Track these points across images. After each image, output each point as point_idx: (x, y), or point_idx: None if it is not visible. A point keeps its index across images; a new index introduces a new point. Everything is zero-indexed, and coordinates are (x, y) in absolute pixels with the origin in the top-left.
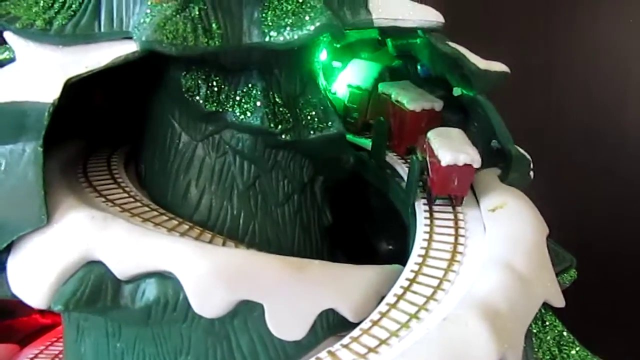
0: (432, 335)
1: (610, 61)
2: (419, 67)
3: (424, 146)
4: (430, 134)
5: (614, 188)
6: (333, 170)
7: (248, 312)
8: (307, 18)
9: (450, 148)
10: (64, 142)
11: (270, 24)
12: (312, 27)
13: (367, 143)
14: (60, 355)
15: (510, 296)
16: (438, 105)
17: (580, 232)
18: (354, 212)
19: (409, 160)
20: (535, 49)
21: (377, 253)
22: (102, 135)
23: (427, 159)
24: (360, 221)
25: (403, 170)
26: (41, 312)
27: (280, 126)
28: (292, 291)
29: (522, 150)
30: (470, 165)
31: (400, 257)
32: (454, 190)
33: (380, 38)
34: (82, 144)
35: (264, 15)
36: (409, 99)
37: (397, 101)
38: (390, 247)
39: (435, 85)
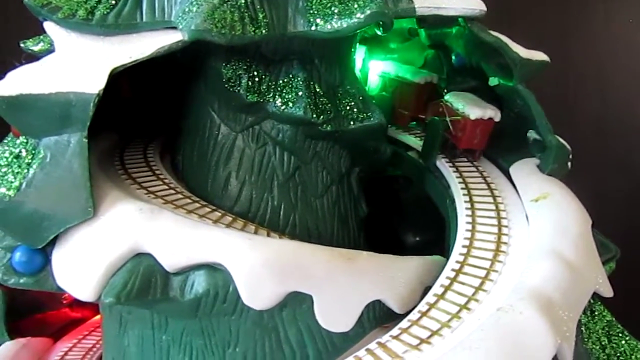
0: (487, 325)
1: (624, 57)
2: (453, 57)
3: (440, 110)
4: (448, 97)
5: (628, 183)
6: (370, 161)
7: (297, 303)
8: (355, 6)
9: (475, 105)
10: (96, 135)
11: (315, 12)
12: (361, 15)
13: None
14: (94, 349)
15: (562, 286)
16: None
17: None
18: (381, 204)
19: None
20: (549, 45)
21: (404, 245)
22: (133, 127)
23: (448, 119)
24: (387, 213)
25: (439, 161)
26: (70, 305)
27: (322, 116)
28: (341, 282)
29: (562, 141)
30: (492, 119)
31: (428, 249)
32: (477, 145)
33: (410, 27)
34: (115, 136)
35: (308, 3)
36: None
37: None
38: (418, 238)
39: (468, 76)
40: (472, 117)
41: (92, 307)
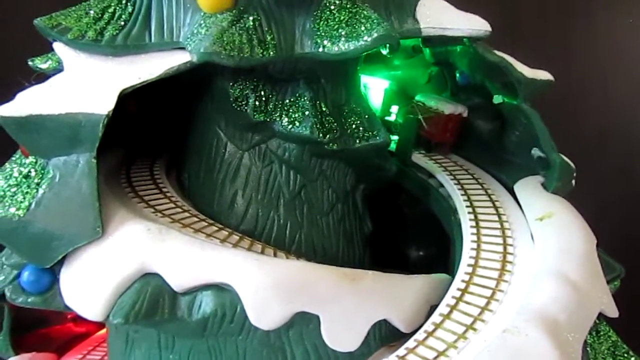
0: (494, 347)
1: (626, 65)
2: (457, 75)
3: (412, 109)
4: (419, 97)
5: (630, 190)
6: (375, 178)
7: (304, 323)
8: (362, 29)
9: (446, 102)
10: (102, 150)
11: (323, 34)
12: (368, 38)
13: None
14: None
15: (568, 307)
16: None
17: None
18: (385, 218)
19: (448, 168)
20: (551, 54)
21: (407, 259)
22: (139, 142)
23: (421, 117)
24: (390, 228)
25: (444, 178)
26: (74, 320)
27: (328, 135)
28: (347, 302)
29: (566, 159)
30: (461, 114)
31: (432, 263)
32: (449, 138)
33: (414, 45)
34: (120, 152)
35: (315, 25)
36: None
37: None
38: (421, 253)
39: (472, 93)
40: (446, 112)
41: (96, 322)
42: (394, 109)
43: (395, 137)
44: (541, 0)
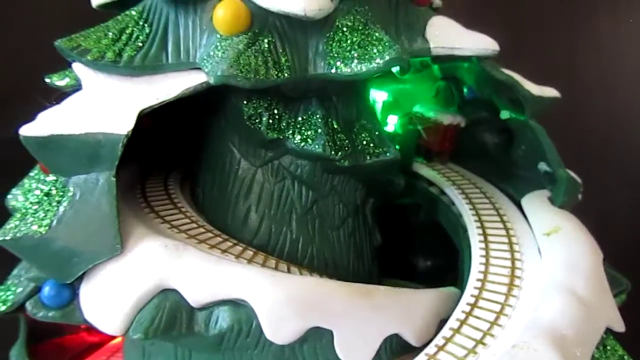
0: None
1: (631, 66)
2: (465, 90)
3: (411, 120)
4: (418, 109)
5: (636, 196)
6: (384, 192)
7: (317, 338)
8: (375, 51)
9: (444, 113)
10: (118, 167)
11: (335, 55)
12: (380, 61)
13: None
14: None
15: (575, 322)
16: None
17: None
18: (392, 229)
19: (456, 182)
20: (556, 61)
21: (414, 269)
22: (151, 158)
23: (420, 128)
24: (398, 238)
25: (452, 192)
26: (88, 330)
27: (339, 152)
28: (360, 317)
29: (572, 174)
30: (459, 124)
31: (439, 273)
32: (447, 147)
33: (422, 60)
34: (134, 166)
35: (328, 47)
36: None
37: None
38: (429, 263)
39: (479, 107)
40: (446, 122)
41: None
42: (392, 119)
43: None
44: (544, 10)
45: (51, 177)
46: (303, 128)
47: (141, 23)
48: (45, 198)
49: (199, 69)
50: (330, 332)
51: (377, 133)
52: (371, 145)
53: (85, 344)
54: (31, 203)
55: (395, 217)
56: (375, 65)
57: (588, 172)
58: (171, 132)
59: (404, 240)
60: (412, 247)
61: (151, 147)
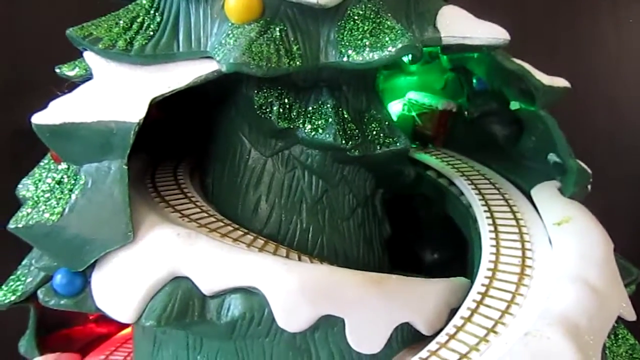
0: (516, 350)
1: (634, 68)
2: (474, 81)
3: (407, 106)
4: (412, 95)
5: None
6: (394, 183)
7: (329, 326)
8: (387, 39)
9: (439, 98)
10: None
11: (347, 43)
12: (392, 49)
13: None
14: None
15: (588, 311)
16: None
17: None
18: (400, 221)
19: (466, 172)
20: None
21: (422, 262)
22: (160, 148)
23: (415, 114)
24: (405, 230)
25: (462, 183)
26: (96, 321)
27: (350, 142)
28: (371, 306)
29: (583, 164)
30: (452, 110)
31: (447, 266)
32: (442, 132)
33: (431, 51)
34: (144, 156)
35: (340, 35)
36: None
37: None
38: (436, 256)
39: (488, 98)
40: (441, 107)
41: (118, 323)
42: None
43: None
44: (549, 4)
45: (63, 166)
46: (314, 117)
47: (152, 12)
48: (57, 186)
49: (211, 57)
50: (342, 320)
51: (387, 123)
52: (381, 135)
53: (94, 335)
54: (43, 191)
55: (402, 210)
56: (388, 53)
57: (592, 167)
58: (181, 122)
59: (411, 233)
60: (420, 239)
61: (161, 137)
